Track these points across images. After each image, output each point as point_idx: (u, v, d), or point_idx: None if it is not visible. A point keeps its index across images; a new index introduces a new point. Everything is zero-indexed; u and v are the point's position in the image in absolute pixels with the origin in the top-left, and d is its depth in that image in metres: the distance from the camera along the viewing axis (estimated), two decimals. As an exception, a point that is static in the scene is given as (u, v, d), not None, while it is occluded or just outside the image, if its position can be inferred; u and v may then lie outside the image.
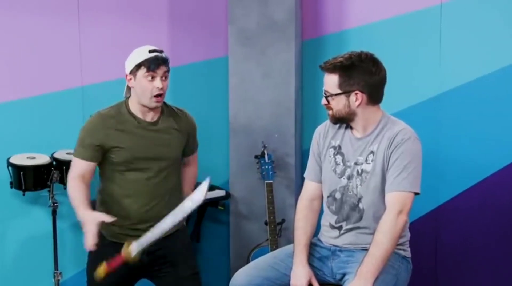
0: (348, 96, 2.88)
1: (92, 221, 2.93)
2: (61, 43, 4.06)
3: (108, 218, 2.96)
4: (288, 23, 4.07)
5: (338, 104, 2.90)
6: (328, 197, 3.03)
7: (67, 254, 4.08)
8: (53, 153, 3.87)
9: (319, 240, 3.09)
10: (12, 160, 3.78)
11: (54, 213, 3.82)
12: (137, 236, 3.03)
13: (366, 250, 2.84)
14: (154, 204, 3.24)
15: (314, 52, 4.27)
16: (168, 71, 3.17)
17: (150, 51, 3.13)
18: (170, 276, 3.28)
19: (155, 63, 3.11)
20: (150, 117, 3.23)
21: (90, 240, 2.89)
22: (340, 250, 2.99)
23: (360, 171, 2.92)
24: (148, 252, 3.14)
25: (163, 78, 3.15)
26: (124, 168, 3.20)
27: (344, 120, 2.95)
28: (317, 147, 3.07)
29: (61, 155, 3.85)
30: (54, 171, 3.77)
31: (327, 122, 3.04)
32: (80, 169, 3.16)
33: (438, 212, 4.07)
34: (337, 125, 2.99)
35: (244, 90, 4.21)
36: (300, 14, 4.18)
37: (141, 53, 3.14)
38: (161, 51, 3.16)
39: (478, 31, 3.86)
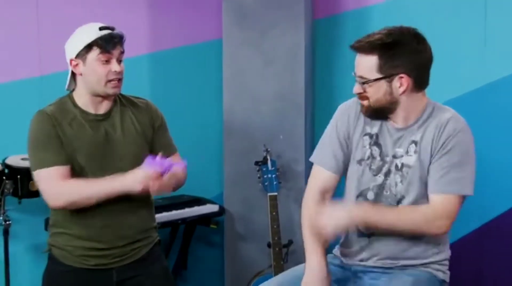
0: (391, 81, 2.68)
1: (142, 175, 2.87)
2: (16, 25, 3.95)
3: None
4: (295, -3, 4.08)
5: (378, 92, 2.69)
6: (357, 196, 2.85)
7: (22, 282, 3.89)
8: (4, 159, 3.66)
9: (334, 257, 2.96)
10: None
11: (5, 233, 3.64)
12: (102, 257, 2.98)
13: (396, 268, 2.76)
14: (119, 221, 3.06)
15: (328, 33, 4.20)
16: (123, 52, 3.02)
17: (101, 28, 2.95)
18: None
19: (110, 42, 2.93)
20: (103, 109, 3.06)
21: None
22: (364, 272, 2.83)
23: (399, 165, 2.76)
24: (119, 281, 3.02)
25: (119, 60, 3.00)
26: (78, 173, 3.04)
27: (383, 112, 2.76)
28: (346, 128, 2.87)
29: (14, 161, 3.66)
30: (7, 181, 3.58)
31: (356, 99, 2.85)
32: (57, 175, 2.95)
33: (483, 232, 3.89)
34: None
35: (241, 81, 4.11)
36: (310, -14, 4.22)
37: (90, 31, 2.95)
38: (113, 28, 2.99)
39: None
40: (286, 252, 3.91)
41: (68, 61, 2.99)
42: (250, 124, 4.09)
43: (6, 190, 3.56)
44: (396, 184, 2.77)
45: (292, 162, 4.05)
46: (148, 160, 2.90)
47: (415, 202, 2.77)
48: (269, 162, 3.89)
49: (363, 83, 2.71)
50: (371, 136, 2.83)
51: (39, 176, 2.98)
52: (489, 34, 3.75)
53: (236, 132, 4.12)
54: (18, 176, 3.55)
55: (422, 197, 2.77)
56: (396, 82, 2.67)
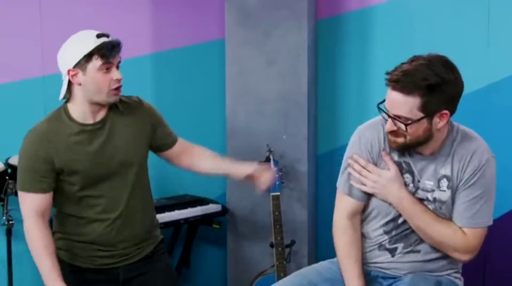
0: (432, 118, 2.61)
1: None
2: (20, 25, 3.94)
3: None
4: (298, -3, 4.03)
5: (418, 130, 2.62)
6: (387, 222, 2.84)
7: (24, 281, 3.88)
8: (7, 159, 3.67)
9: None
10: None
11: (9, 232, 3.64)
12: (107, 257, 3.03)
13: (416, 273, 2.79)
14: (121, 224, 3.07)
15: (331, 33, 4.16)
16: (120, 59, 3.01)
17: (98, 36, 2.91)
18: None
19: (112, 51, 2.91)
20: (99, 117, 3.04)
21: None
22: (384, 277, 2.84)
23: (431, 199, 2.73)
24: (125, 279, 3.05)
25: (118, 68, 2.98)
26: (79, 188, 3.03)
27: (416, 147, 2.71)
28: (370, 156, 2.81)
29: (17, 161, 3.51)
30: (9, 181, 3.58)
31: (381, 123, 2.80)
32: (34, 204, 2.98)
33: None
34: None
35: (244, 81, 4.07)
36: (313, -14, 4.14)
37: (88, 40, 2.91)
38: (108, 35, 2.96)
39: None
40: (288, 252, 3.91)
41: (65, 71, 2.94)
42: (253, 124, 4.07)
43: (9, 190, 3.56)
44: None
45: (295, 162, 4.03)
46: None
47: None
48: (272, 162, 3.85)
49: (405, 124, 2.60)
50: (400, 163, 2.78)
51: (21, 196, 2.99)
52: (492, 35, 3.72)
53: (239, 132, 4.11)
54: None
55: None
56: (436, 118, 2.60)
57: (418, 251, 2.79)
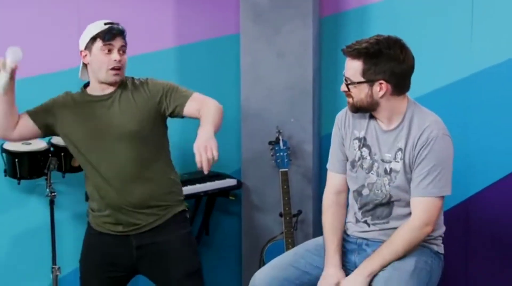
0: (372, 85, 2.76)
1: None
2: (59, 22, 3.99)
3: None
4: (304, -3, 3.99)
5: (360, 93, 2.79)
6: (354, 191, 2.96)
7: (66, 247, 3.97)
8: (50, 139, 3.75)
9: (344, 232, 3.05)
10: (6, 146, 3.69)
11: (51, 203, 3.77)
12: (116, 225, 3.15)
13: None
14: (133, 188, 3.12)
15: (333, 29, 4.20)
16: (125, 45, 3.12)
17: (105, 24, 3.09)
18: (164, 275, 3.19)
19: (111, 34, 3.06)
20: (107, 92, 3.16)
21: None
22: (367, 244, 2.94)
23: (388, 169, 2.84)
24: (138, 246, 3.15)
25: (121, 51, 3.10)
26: (78, 152, 3.17)
27: (364, 110, 2.85)
28: (340, 135, 2.98)
29: (59, 140, 3.67)
30: (52, 158, 3.70)
31: (347, 109, 2.95)
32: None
33: (468, 204, 3.98)
34: (358, 114, 2.90)
35: (256, 71, 4.13)
36: (318, -13, 4.13)
37: (96, 26, 3.09)
38: (117, 24, 3.12)
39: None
40: (295, 221, 4.00)
41: (79, 53, 3.12)
42: (264, 109, 4.13)
43: (51, 166, 3.69)
44: (385, 186, 2.83)
45: (301, 143, 4.11)
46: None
47: (403, 200, 2.83)
48: (281, 142, 3.96)
49: (348, 84, 2.78)
50: (359, 139, 2.89)
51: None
52: (475, 31, 3.80)
53: (252, 116, 4.17)
54: (62, 154, 3.68)
55: (409, 197, 2.83)
56: (376, 87, 2.74)
57: (391, 228, 2.87)
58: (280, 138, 3.99)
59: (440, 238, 2.96)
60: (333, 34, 4.19)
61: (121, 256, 3.19)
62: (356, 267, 2.90)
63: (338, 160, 2.99)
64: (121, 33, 3.09)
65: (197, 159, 2.77)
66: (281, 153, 3.96)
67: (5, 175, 3.75)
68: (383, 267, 2.78)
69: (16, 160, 3.64)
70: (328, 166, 3.06)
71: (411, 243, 2.78)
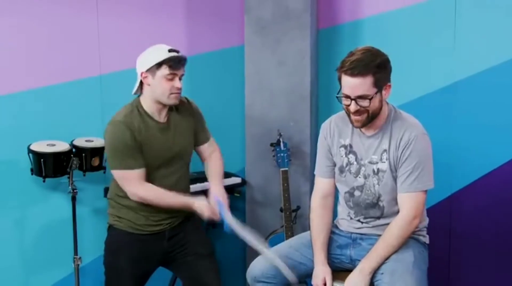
0: (381, 91, 2.82)
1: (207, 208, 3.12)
2: (80, 32, 4.06)
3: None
4: (303, 12, 4.04)
5: (375, 102, 2.82)
6: (345, 193, 3.02)
7: (87, 239, 4.08)
8: (72, 141, 3.87)
9: (336, 227, 3.11)
10: (32, 147, 3.78)
11: (73, 199, 3.84)
12: (157, 225, 3.26)
13: None
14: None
15: (329, 41, 4.24)
16: (184, 72, 3.20)
17: (169, 51, 3.13)
18: (190, 255, 3.31)
19: (178, 63, 3.13)
20: (164, 114, 3.24)
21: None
22: (362, 238, 3.02)
23: (376, 170, 2.90)
24: (169, 237, 3.29)
25: (180, 79, 3.17)
26: (151, 167, 3.23)
27: (374, 118, 2.88)
28: (326, 144, 3.04)
29: (80, 142, 3.87)
30: (74, 158, 3.78)
31: (331, 119, 3.02)
32: (136, 176, 3.16)
33: (451, 201, 4.03)
34: (342, 123, 2.97)
35: (259, 79, 4.18)
36: (315, 3, 4.16)
37: (161, 52, 3.13)
38: (178, 51, 3.17)
39: (494, 18, 3.78)
40: (294, 216, 4.05)
41: (139, 73, 3.16)
42: (266, 113, 4.18)
43: (73, 165, 3.76)
44: (374, 185, 2.91)
45: (300, 144, 4.15)
46: (218, 201, 3.17)
47: (392, 198, 2.91)
48: (281, 144, 4.00)
49: (369, 99, 2.74)
50: (345, 146, 2.96)
51: (120, 175, 3.14)
52: (458, 40, 3.84)
53: (255, 120, 4.22)
54: (83, 154, 3.78)
55: (395, 193, 2.92)
56: (384, 91, 2.82)
57: (382, 225, 2.96)
58: (281, 140, 4.03)
59: (425, 229, 3.06)
60: (329, 44, 4.22)
61: (155, 250, 3.28)
62: (352, 260, 3.01)
63: (325, 165, 3.06)
64: (185, 63, 3.16)
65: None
66: (282, 154, 4.00)
67: (32, 174, 3.82)
68: (381, 263, 2.83)
69: (42, 160, 3.72)
70: (315, 171, 3.12)
71: (403, 237, 2.86)
